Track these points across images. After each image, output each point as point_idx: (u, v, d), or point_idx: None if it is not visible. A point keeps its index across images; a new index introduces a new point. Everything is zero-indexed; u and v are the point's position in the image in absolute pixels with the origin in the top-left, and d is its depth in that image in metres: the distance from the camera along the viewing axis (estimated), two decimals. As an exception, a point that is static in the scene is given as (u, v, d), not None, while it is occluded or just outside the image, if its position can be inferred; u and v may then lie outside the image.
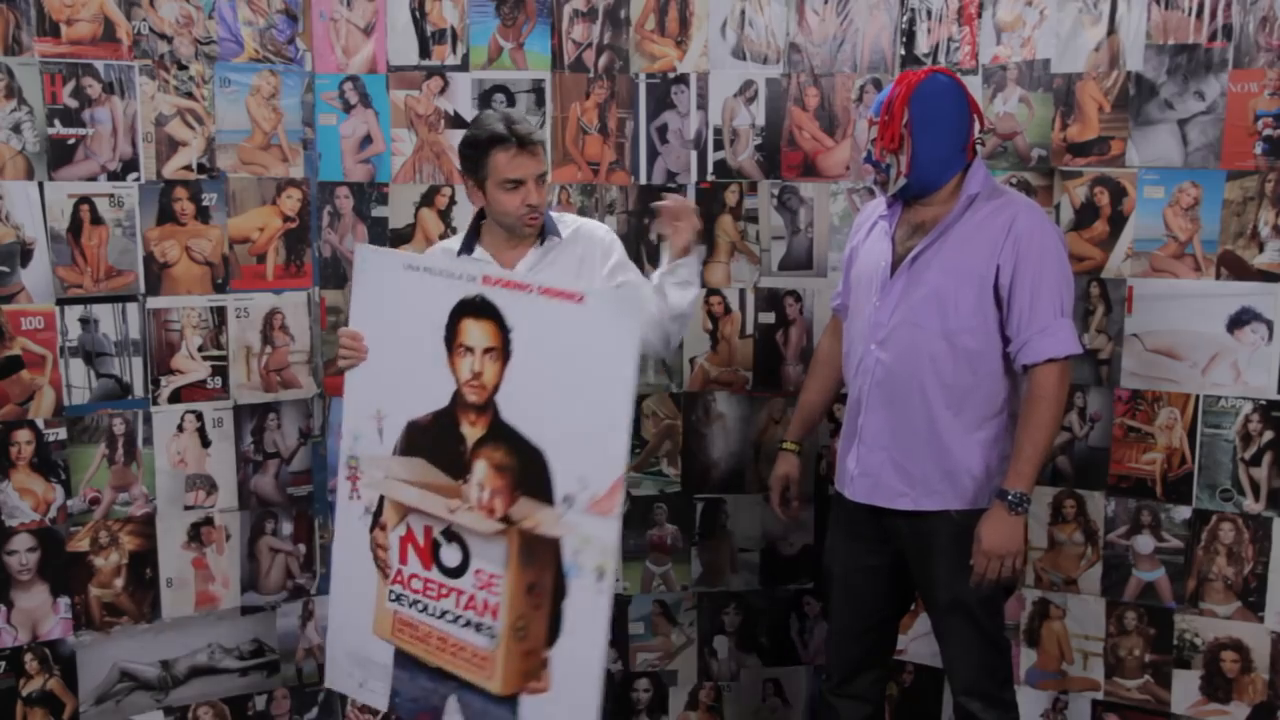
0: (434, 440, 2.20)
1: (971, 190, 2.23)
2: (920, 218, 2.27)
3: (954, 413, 2.23)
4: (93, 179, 2.57)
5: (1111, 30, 2.56)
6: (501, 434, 2.14)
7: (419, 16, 2.78)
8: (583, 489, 2.09)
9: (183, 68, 2.63)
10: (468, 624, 2.20)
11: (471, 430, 2.16)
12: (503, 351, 2.13)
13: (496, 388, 2.14)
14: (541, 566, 2.13)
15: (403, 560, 2.25)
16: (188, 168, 2.67)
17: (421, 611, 2.25)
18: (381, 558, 2.27)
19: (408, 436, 2.22)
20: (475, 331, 2.15)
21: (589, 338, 2.06)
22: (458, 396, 2.17)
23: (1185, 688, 2.62)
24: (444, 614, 2.23)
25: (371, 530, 2.27)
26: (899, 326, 2.24)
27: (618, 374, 2.06)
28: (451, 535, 2.20)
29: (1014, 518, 2.17)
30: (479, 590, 2.19)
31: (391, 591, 2.27)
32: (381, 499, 2.26)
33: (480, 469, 2.15)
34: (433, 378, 2.18)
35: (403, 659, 2.28)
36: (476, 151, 2.27)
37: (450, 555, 2.21)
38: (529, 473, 2.13)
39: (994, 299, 2.19)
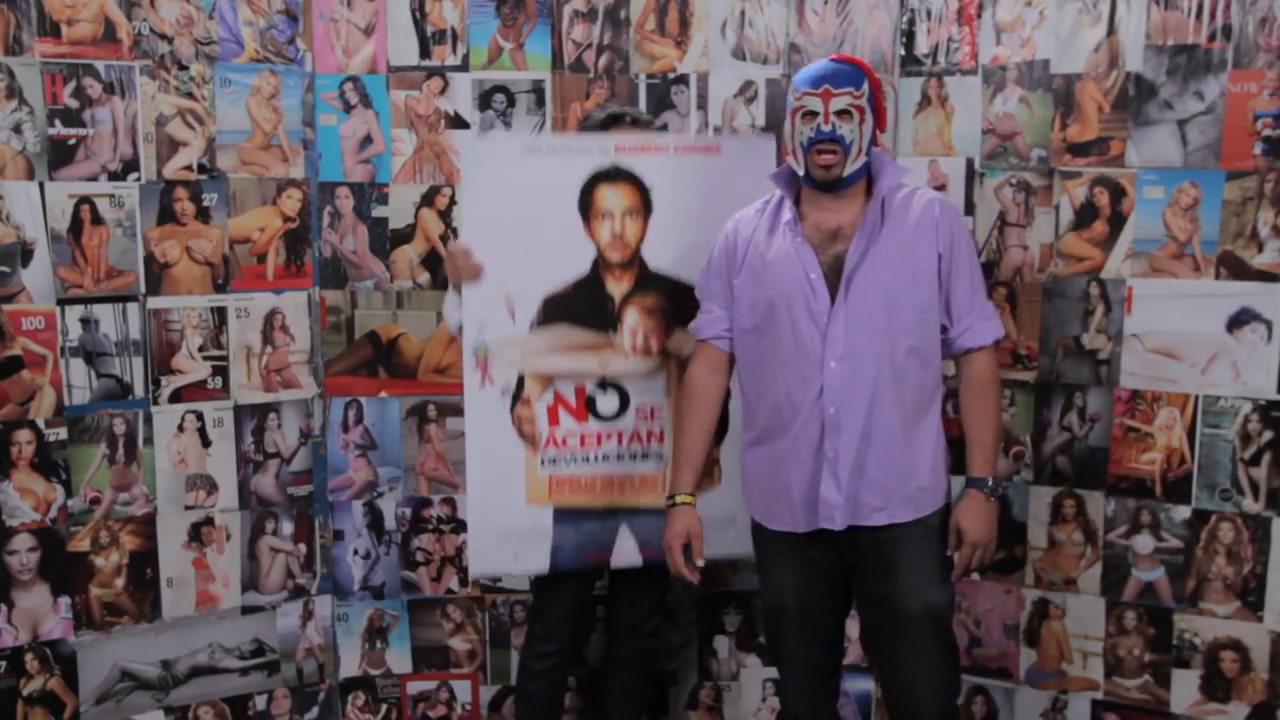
0: (577, 305, 2.31)
1: (891, 182, 2.12)
2: (834, 221, 2.13)
3: (914, 413, 2.13)
4: (93, 179, 2.58)
5: (1111, 30, 2.56)
6: (651, 282, 2.31)
7: (419, 17, 2.78)
8: None
9: (183, 68, 2.63)
10: (634, 456, 2.36)
11: (619, 286, 2.31)
12: (644, 210, 2.28)
13: (640, 243, 2.29)
14: None
15: (553, 424, 2.34)
16: (188, 168, 2.67)
17: (583, 463, 2.36)
18: (528, 431, 2.34)
19: (545, 310, 2.31)
20: (613, 197, 2.28)
21: (729, 181, 2.24)
22: (599, 260, 2.29)
23: (1185, 687, 2.62)
24: (606, 457, 2.36)
25: (512, 410, 2.33)
26: (857, 337, 2.09)
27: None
28: (606, 385, 2.33)
29: (991, 504, 2.17)
30: (641, 423, 2.35)
31: (544, 458, 2.36)
32: (521, 378, 2.32)
33: (632, 317, 2.31)
34: (567, 248, 2.29)
35: (563, 514, 2.38)
36: None
37: (607, 403, 2.35)
38: (682, 308, 2.31)
39: (936, 288, 2.13)
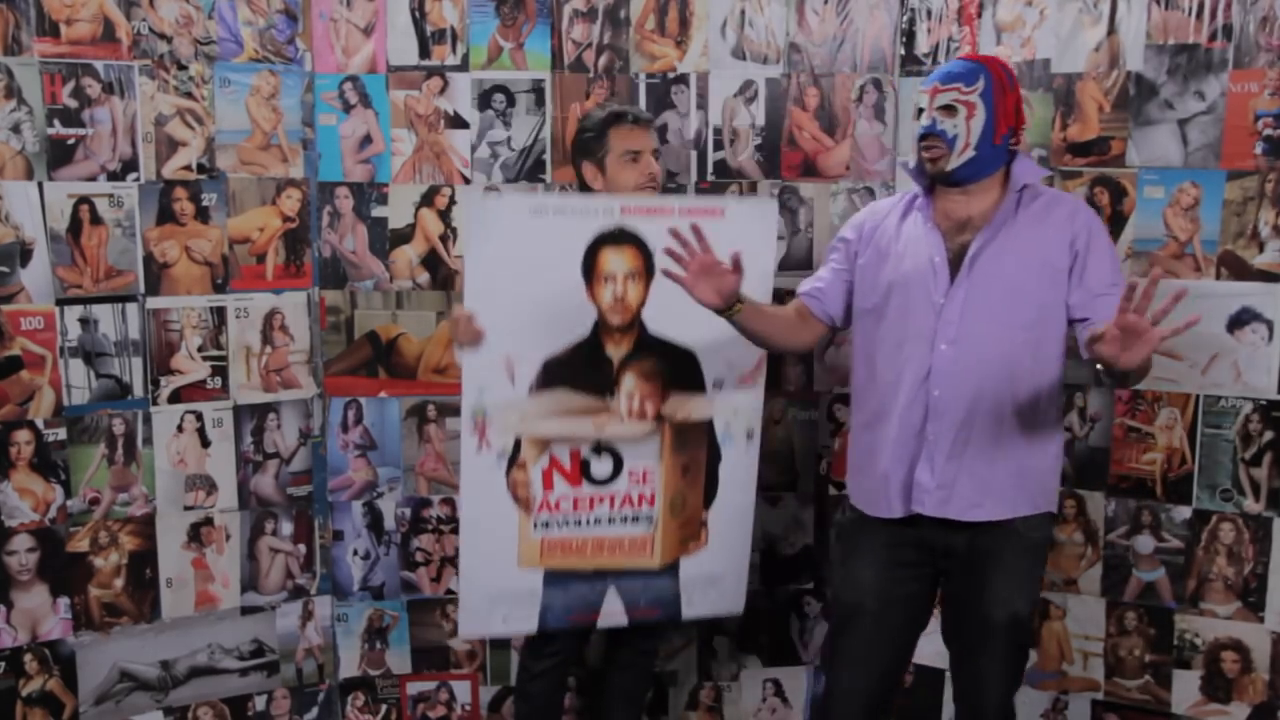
0: (576, 369, 2.29)
1: (1027, 179, 2.13)
2: (964, 212, 2.14)
3: (1026, 411, 2.11)
4: (92, 179, 2.57)
5: (1111, 30, 2.56)
6: (649, 346, 2.30)
7: (419, 17, 2.78)
8: (730, 370, 2.36)
9: (182, 68, 2.63)
10: (625, 520, 2.36)
11: (617, 350, 2.30)
12: (646, 273, 2.27)
13: (641, 306, 2.28)
14: (695, 447, 2.37)
15: (547, 488, 2.33)
16: (187, 168, 2.66)
17: (575, 526, 2.35)
18: (523, 495, 2.33)
19: (545, 373, 2.29)
20: (616, 259, 2.26)
21: (732, 244, 2.18)
22: (599, 323, 2.28)
23: (1185, 688, 2.62)
24: (598, 520, 2.35)
25: (508, 473, 2.32)
26: (972, 322, 2.09)
27: (760, 270, 2.28)
28: (600, 449, 2.32)
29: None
30: (633, 487, 2.35)
31: (537, 521, 2.34)
32: (517, 441, 2.31)
33: (629, 381, 2.30)
34: (569, 311, 2.27)
35: (553, 576, 2.38)
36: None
37: (601, 467, 2.33)
38: (680, 372, 2.34)
39: (1065, 288, 2.09)
